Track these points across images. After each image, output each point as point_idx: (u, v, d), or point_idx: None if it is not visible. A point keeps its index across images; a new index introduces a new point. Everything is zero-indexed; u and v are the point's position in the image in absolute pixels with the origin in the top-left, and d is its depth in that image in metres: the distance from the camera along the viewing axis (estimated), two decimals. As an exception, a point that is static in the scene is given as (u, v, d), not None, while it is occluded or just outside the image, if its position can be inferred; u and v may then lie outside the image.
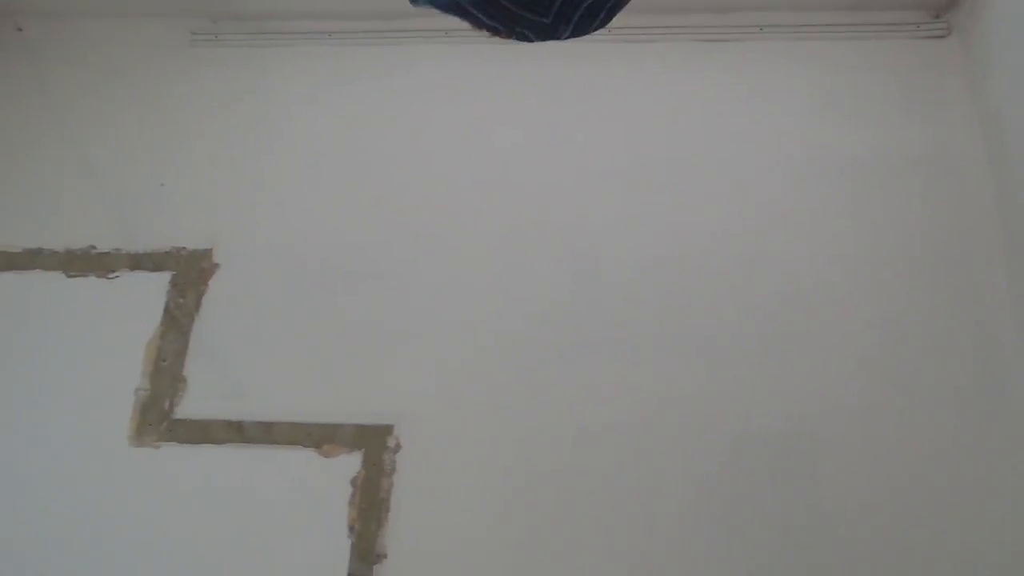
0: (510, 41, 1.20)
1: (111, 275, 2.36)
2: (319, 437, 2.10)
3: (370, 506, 2.02)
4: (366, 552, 1.98)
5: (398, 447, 2.09)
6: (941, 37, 2.47)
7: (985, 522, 1.94)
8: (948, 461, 2.00)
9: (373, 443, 2.08)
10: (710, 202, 2.33)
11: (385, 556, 1.99)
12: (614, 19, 1.20)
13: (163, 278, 2.33)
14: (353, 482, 2.05)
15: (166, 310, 2.29)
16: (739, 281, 2.23)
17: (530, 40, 1.19)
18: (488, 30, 1.17)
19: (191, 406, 2.17)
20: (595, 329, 2.20)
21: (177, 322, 2.27)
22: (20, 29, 2.75)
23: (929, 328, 2.14)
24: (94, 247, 2.39)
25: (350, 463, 2.07)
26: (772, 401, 2.10)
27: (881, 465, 2.01)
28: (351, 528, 2.01)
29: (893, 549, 1.93)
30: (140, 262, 2.36)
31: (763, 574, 1.93)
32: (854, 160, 2.34)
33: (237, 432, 2.13)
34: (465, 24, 1.17)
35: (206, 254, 2.37)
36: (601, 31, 1.22)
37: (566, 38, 1.19)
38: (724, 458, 2.05)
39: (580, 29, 1.18)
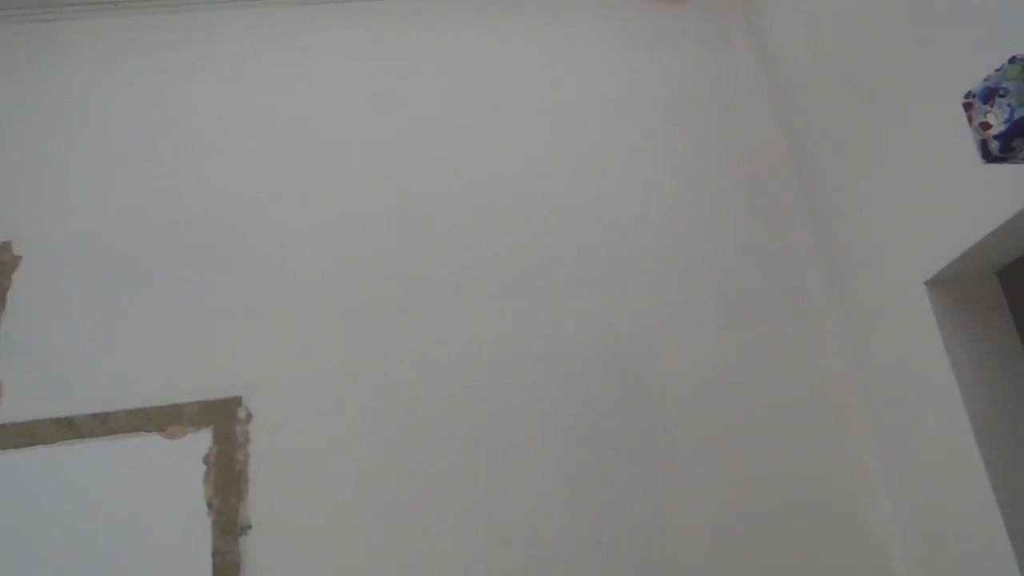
0: None
1: None
2: (161, 420, 2.01)
3: (227, 480, 1.96)
4: (229, 526, 1.92)
5: (249, 418, 2.04)
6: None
7: (795, 406, 2.17)
8: (763, 359, 2.22)
9: (221, 417, 2.02)
10: (530, 145, 2.42)
11: (250, 527, 1.94)
12: None
13: (-43, 278, 2.12)
14: (206, 459, 1.98)
15: (-34, 311, 2.08)
16: (567, 218, 2.34)
17: None
18: None
19: (11, 408, 2.01)
20: (434, 279, 2.24)
21: (-19, 322, 2.07)
22: None
23: (739, 244, 2.35)
24: None
25: (199, 441, 2.00)
26: (611, 326, 2.24)
27: (710, 371, 2.21)
28: (209, 505, 1.94)
29: (726, 440, 2.13)
30: (-74, 263, 2.13)
31: (617, 484, 2.06)
32: (657, 97, 2.51)
33: (69, 428, 1.99)
34: None
35: (5, 247, 2.17)
36: None
37: None
38: (573, 383, 2.16)
39: None
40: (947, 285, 1.83)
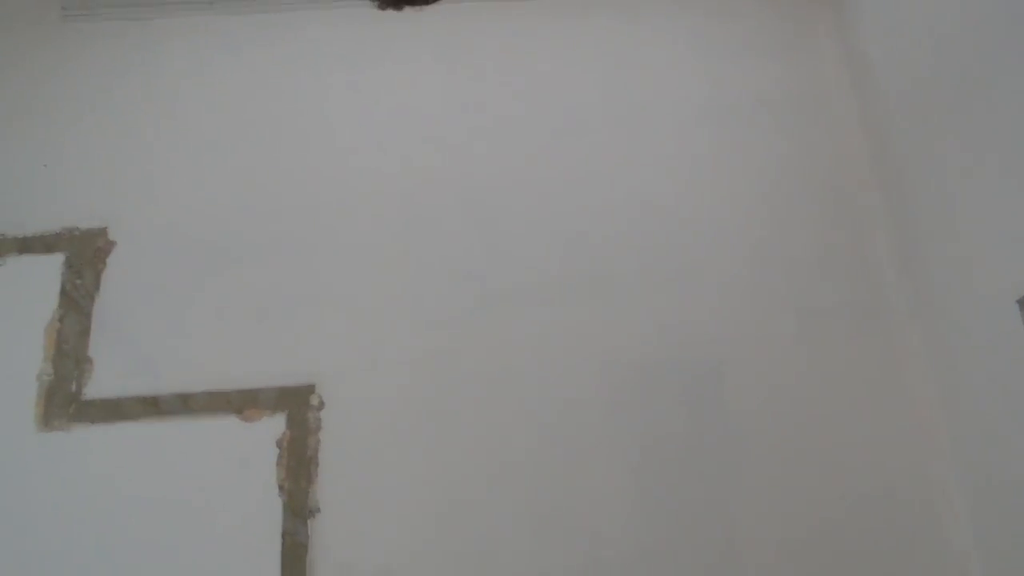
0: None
1: (-2, 261, 2.25)
2: (240, 403, 2.08)
3: (298, 464, 2.02)
4: (299, 509, 1.98)
5: (321, 405, 2.10)
6: (807, -18, 2.63)
7: (873, 424, 2.11)
8: (839, 374, 2.17)
9: (296, 403, 2.08)
10: (604, 149, 2.42)
11: (318, 510, 1.99)
12: None
13: (56, 260, 2.24)
14: (279, 443, 2.05)
15: (62, 292, 2.20)
16: (643, 223, 2.33)
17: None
18: None
19: (100, 386, 2.11)
20: (505, 278, 2.26)
21: (76, 303, 2.19)
22: None
23: (819, 255, 2.30)
24: (-23, 234, 2.28)
25: (274, 425, 2.06)
26: (677, 332, 2.21)
27: (779, 384, 2.15)
28: (281, 488, 2.00)
29: (798, 458, 2.08)
30: (29, 245, 2.26)
31: (684, 495, 2.05)
32: (739, 101, 2.47)
33: (152, 407, 2.08)
34: None
35: (101, 232, 2.29)
36: None
37: None
38: (637, 389, 2.15)
39: None
40: (1039, 302, 1.75)
